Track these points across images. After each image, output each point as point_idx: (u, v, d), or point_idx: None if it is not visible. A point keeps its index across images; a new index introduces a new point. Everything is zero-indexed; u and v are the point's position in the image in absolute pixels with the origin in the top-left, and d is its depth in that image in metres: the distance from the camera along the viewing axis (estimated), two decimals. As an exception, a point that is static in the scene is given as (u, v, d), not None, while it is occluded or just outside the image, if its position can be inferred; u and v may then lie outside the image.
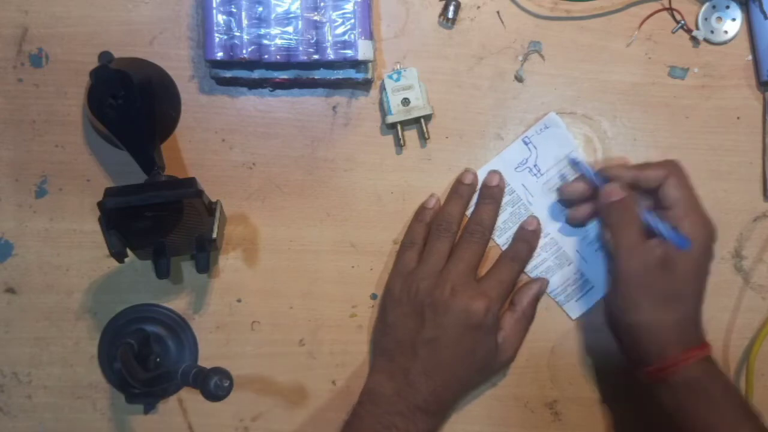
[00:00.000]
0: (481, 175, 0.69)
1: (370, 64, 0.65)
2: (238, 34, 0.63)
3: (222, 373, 0.57)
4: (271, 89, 0.68)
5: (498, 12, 0.68)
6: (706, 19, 0.68)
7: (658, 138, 0.69)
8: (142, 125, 0.61)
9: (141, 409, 0.69)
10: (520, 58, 0.69)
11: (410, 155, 0.69)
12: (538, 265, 0.69)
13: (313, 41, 0.63)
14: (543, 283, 0.69)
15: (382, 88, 0.67)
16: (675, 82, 0.69)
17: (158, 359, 0.67)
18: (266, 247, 0.69)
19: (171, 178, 0.63)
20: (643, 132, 0.69)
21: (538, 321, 0.69)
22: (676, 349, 0.61)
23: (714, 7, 0.68)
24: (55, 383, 0.69)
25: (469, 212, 0.68)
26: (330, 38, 0.63)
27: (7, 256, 0.68)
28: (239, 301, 0.69)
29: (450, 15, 0.67)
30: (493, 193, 0.68)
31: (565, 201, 0.68)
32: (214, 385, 0.56)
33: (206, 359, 0.69)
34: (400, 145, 0.68)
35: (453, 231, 0.67)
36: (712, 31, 0.68)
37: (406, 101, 0.67)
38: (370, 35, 0.64)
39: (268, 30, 0.63)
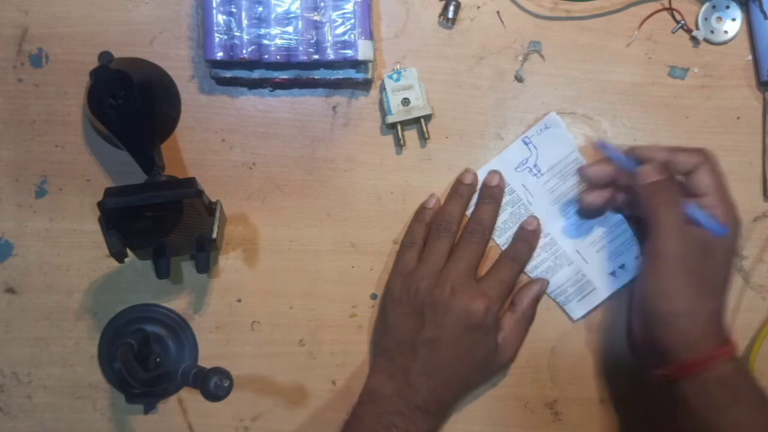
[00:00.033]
0: (481, 175, 0.69)
1: (370, 64, 0.65)
2: (238, 34, 0.63)
3: (222, 373, 0.57)
4: (271, 89, 0.68)
5: (498, 12, 0.68)
6: (706, 19, 0.68)
7: (658, 138, 0.69)
8: (142, 125, 0.61)
9: (141, 409, 0.69)
10: (520, 58, 0.69)
11: (410, 155, 0.69)
12: (538, 265, 0.69)
13: (313, 41, 0.63)
14: (543, 283, 0.69)
15: (382, 88, 0.67)
16: (675, 82, 0.69)
17: (158, 359, 0.67)
18: (266, 247, 0.69)
19: (171, 178, 0.63)
20: (643, 132, 0.69)
21: (538, 321, 0.69)
22: (710, 342, 0.59)
23: (714, 7, 0.68)
24: (55, 383, 0.69)
25: (469, 212, 0.68)
26: (330, 38, 0.63)
27: (7, 256, 0.68)
28: (239, 301, 0.69)
29: (450, 15, 0.67)
30: (493, 193, 0.68)
31: (585, 182, 0.66)
32: (214, 385, 0.56)
33: (206, 359, 0.69)
34: (400, 145, 0.68)
35: (453, 231, 0.67)
36: (712, 31, 0.68)
37: (406, 101, 0.67)
38: (370, 35, 0.64)
39: (268, 30, 0.63)
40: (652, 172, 0.61)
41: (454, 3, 0.67)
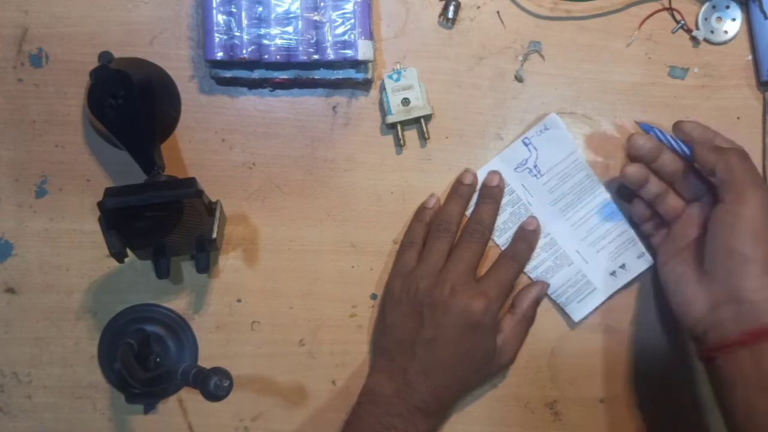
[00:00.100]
0: (481, 176, 0.69)
1: (370, 64, 0.65)
2: (238, 34, 0.63)
3: (222, 373, 0.57)
4: (271, 89, 0.68)
5: (498, 12, 0.68)
6: (706, 19, 0.68)
7: (658, 138, 0.69)
8: (142, 125, 0.61)
9: (141, 409, 0.69)
10: (520, 58, 0.69)
11: (410, 155, 0.69)
12: (538, 265, 0.69)
13: (313, 41, 0.63)
14: (543, 285, 0.68)
15: (382, 88, 0.67)
16: (675, 82, 0.69)
17: (158, 359, 0.67)
18: (266, 247, 0.69)
19: (171, 178, 0.63)
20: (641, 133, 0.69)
21: (538, 322, 0.69)
22: None
23: (714, 7, 0.68)
24: (55, 383, 0.69)
25: (469, 212, 0.68)
26: (330, 38, 0.63)
27: (7, 256, 0.68)
28: (239, 301, 0.69)
29: (450, 15, 0.67)
30: (492, 193, 0.68)
31: (632, 152, 0.64)
32: (214, 385, 0.56)
33: (206, 359, 0.69)
34: (400, 145, 0.68)
35: (452, 231, 0.67)
36: (712, 31, 0.68)
37: (406, 101, 0.67)
38: (370, 35, 0.64)
39: (268, 30, 0.63)
40: (729, 141, 0.63)
41: (454, 3, 0.67)
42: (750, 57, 0.68)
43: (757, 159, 0.69)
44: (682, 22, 0.68)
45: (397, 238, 0.69)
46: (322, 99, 0.68)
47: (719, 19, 0.68)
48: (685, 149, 0.63)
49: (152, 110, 0.63)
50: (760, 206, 0.59)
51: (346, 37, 0.63)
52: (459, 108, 0.69)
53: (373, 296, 0.69)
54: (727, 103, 0.69)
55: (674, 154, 0.64)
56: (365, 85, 0.67)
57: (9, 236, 0.68)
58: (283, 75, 0.66)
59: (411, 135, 0.69)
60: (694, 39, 0.68)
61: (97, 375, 0.69)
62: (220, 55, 0.63)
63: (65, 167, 0.68)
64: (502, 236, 0.69)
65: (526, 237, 0.68)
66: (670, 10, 0.68)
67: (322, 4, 0.63)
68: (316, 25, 0.63)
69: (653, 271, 0.69)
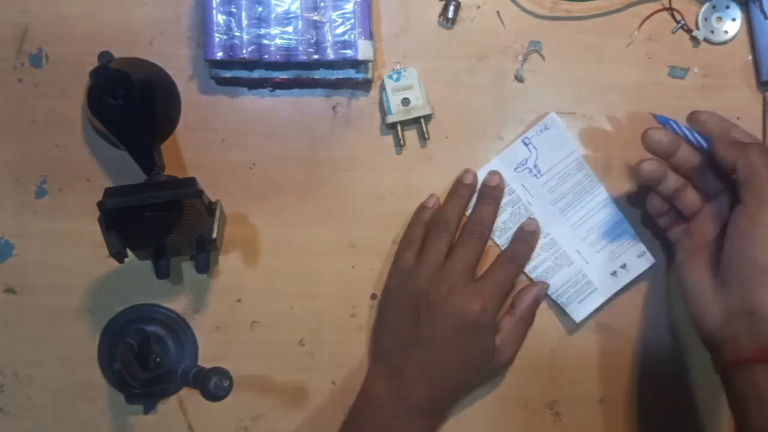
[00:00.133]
0: (481, 176, 0.69)
1: (370, 64, 0.65)
2: (238, 34, 0.63)
3: (222, 373, 0.57)
4: (271, 89, 0.68)
5: (498, 12, 0.68)
6: (706, 19, 0.68)
7: (658, 138, 0.69)
8: (142, 125, 0.61)
9: (141, 409, 0.69)
10: (520, 58, 0.69)
11: (410, 155, 0.69)
12: (538, 265, 0.69)
13: (313, 41, 0.63)
14: (543, 286, 0.68)
15: (382, 88, 0.67)
16: (675, 82, 0.69)
17: (158, 359, 0.67)
18: (266, 247, 0.69)
19: (171, 178, 0.63)
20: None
21: (538, 322, 0.69)
22: None
23: (714, 7, 0.68)
24: (55, 383, 0.69)
25: (469, 212, 0.68)
26: (330, 38, 0.63)
27: (7, 256, 0.68)
28: (239, 301, 0.69)
29: (450, 15, 0.67)
30: (492, 194, 0.68)
31: (649, 148, 0.61)
32: (214, 385, 0.56)
33: (206, 359, 0.69)
34: (400, 145, 0.68)
35: (451, 231, 0.67)
36: (712, 31, 0.68)
37: (406, 101, 0.67)
38: (370, 35, 0.64)
39: (268, 30, 0.63)
40: (749, 135, 0.59)
41: (454, 3, 0.67)
42: (750, 57, 0.69)
43: (757, 159, 0.69)
44: (682, 22, 0.68)
45: (397, 238, 0.69)
46: (322, 99, 0.68)
47: (719, 19, 0.68)
48: (703, 142, 0.60)
49: (152, 110, 0.63)
50: None
51: (346, 37, 0.63)
52: (459, 108, 0.69)
53: (373, 296, 0.69)
54: (727, 103, 0.68)
55: (692, 148, 0.61)
56: (365, 85, 0.67)
57: (9, 236, 0.68)
58: (283, 75, 0.66)
59: (411, 135, 0.69)
60: (694, 39, 0.68)
61: (97, 375, 0.69)
62: (220, 55, 0.63)
63: (65, 167, 0.68)
64: (502, 236, 0.69)
65: (526, 238, 0.68)
66: (670, 10, 0.68)
67: (322, 4, 0.63)
68: (316, 25, 0.63)
69: (654, 271, 0.69)
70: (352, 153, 0.69)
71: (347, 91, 0.68)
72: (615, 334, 0.70)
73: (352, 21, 0.63)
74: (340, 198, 0.69)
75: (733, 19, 0.68)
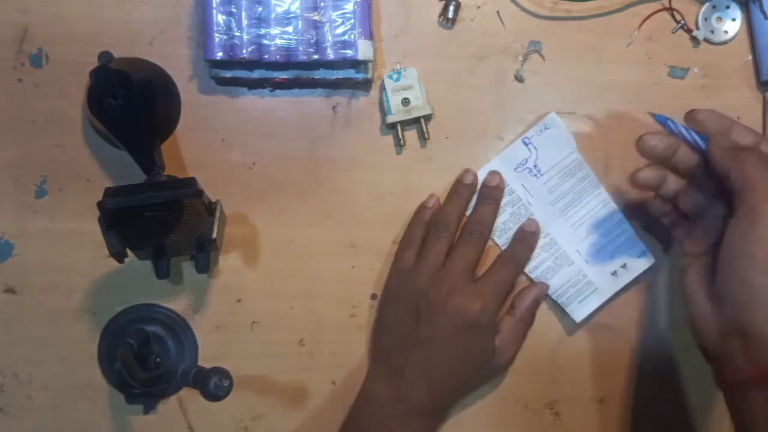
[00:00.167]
0: (481, 176, 0.69)
1: (370, 64, 0.65)
2: (238, 34, 0.63)
3: (222, 373, 0.57)
4: (271, 89, 0.68)
5: (498, 12, 0.68)
6: (706, 19, 0.68)
7: (658, 138, 0.69)
8: (142, 125, 0.61)
9: (141, 409, 0.69)
10: (520, 58, 0.69)
11: (410, 155, 0.69)
12: (538, 265, 0.69)
13: (313, 41, 0.63)
14: (543, 287, 0.68)
15: (382, 88, 0.67)
16: (675, 82, 0.69)
17: (158, 359, 0.67)
18: (266, 247, 0.69)
19: (171, 178, 0.63)
20: (643, 132, 0.69)
21: (539, 322, 0.69)
22: None
23: (714, 7, 0.68)
24: (55, 383, 0.69)
25: (469, 212, 0.68)
26: (330, 38, 0.63)
27: (7, 256, 0.68)
28: (239, 301, 0.69)
29: (450, 15, 0.67)
30: (492, 193, 0.68)
31: (644, 154, 0.59)
32: (214, 385, 0.56)
33: (206, 359, 0.69)
34: (400, 145, 0.68)
35: (451, 231, 0.67)
36: (712, 31, 0.68)
37: (406, 101, 0.67)
38: (370, 35, 0.64)
39: (268, 30, 0.63)
40: (750, 134, 0.57)
41: (454, 3, 0.67)
42: (750, 57, 0.69)
43: (757, 159, 0.69)
44: (682, 22, 0.68)
45: (397, 238, 0.69)
46: (322, 99, 0.68)
47: (719, 19, 0.68)
48: (701, 143, 0.58)
49: (152, 110, 0.63)
50: None
51: (346, 37, 0.63)
52: (459, 108, 0.69)
53: (373, 296, 0.69)
54: (727, 103, 0.68)
55: (691, 148, 0.59)
56: (365, 85, 0.67)
57: (9, 236, 0.68)
58: (283, 75, 0.66)
59: (411, 135, 0.69)
60: (694, 39, 0.68)
61: (97, 375, 0.69)
62: (220, 55, 0.63)
63: (65, 167, 0.68)
64: (502, 236, 0.69)
65: (526, 238, 0.68)
66: (670, 10, 0.68)
67: (322, 4, 0.63)
68: (316, 25, 0.63)
69: (654, 271, 0.69)
70: (352, 153, 0.69)
71: (347, 91, 0.68)
72: (615, 334, 0.70)
73: (352, 21, 0.63)
74: (340, 198, 0.69)
75: (733, 19, 0.68)
